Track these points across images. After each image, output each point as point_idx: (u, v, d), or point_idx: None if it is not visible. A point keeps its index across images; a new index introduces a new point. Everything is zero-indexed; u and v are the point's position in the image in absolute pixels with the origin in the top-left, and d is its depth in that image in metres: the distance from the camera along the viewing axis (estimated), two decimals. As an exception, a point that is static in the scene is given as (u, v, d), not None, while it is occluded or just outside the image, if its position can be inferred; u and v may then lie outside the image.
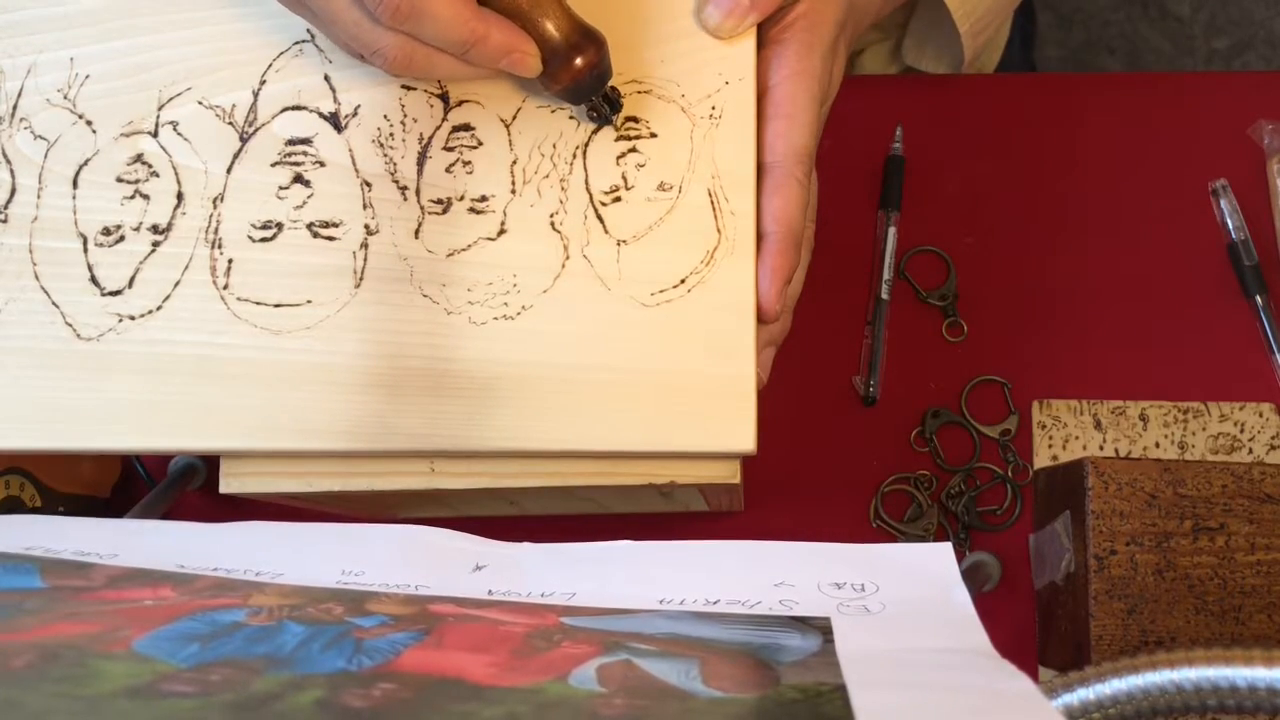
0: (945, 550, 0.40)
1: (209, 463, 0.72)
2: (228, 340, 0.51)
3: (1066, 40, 1.70)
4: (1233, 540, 0.61)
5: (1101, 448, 0.71)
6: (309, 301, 0.51)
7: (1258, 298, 0.72)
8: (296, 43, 0.53)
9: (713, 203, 0.49)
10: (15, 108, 0.54)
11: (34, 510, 0.66)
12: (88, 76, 0.54)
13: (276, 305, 0.51)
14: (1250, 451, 0.70)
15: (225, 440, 0.50)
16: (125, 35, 0.54)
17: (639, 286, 0.49)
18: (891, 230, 0.74)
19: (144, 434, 0.51)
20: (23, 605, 0.36)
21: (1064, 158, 0.77)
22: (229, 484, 0.54)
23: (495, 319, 0.49)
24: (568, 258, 0.50)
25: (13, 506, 0.64)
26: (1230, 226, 0.73)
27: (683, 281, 0.49)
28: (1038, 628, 0.70)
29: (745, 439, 0.47)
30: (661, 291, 0.49)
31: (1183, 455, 0.71)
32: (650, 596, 0.39)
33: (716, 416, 0.48)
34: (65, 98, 0.54)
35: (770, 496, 0.73)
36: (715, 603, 0.38)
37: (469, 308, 0.50)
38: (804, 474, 0.73)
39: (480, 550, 0.44)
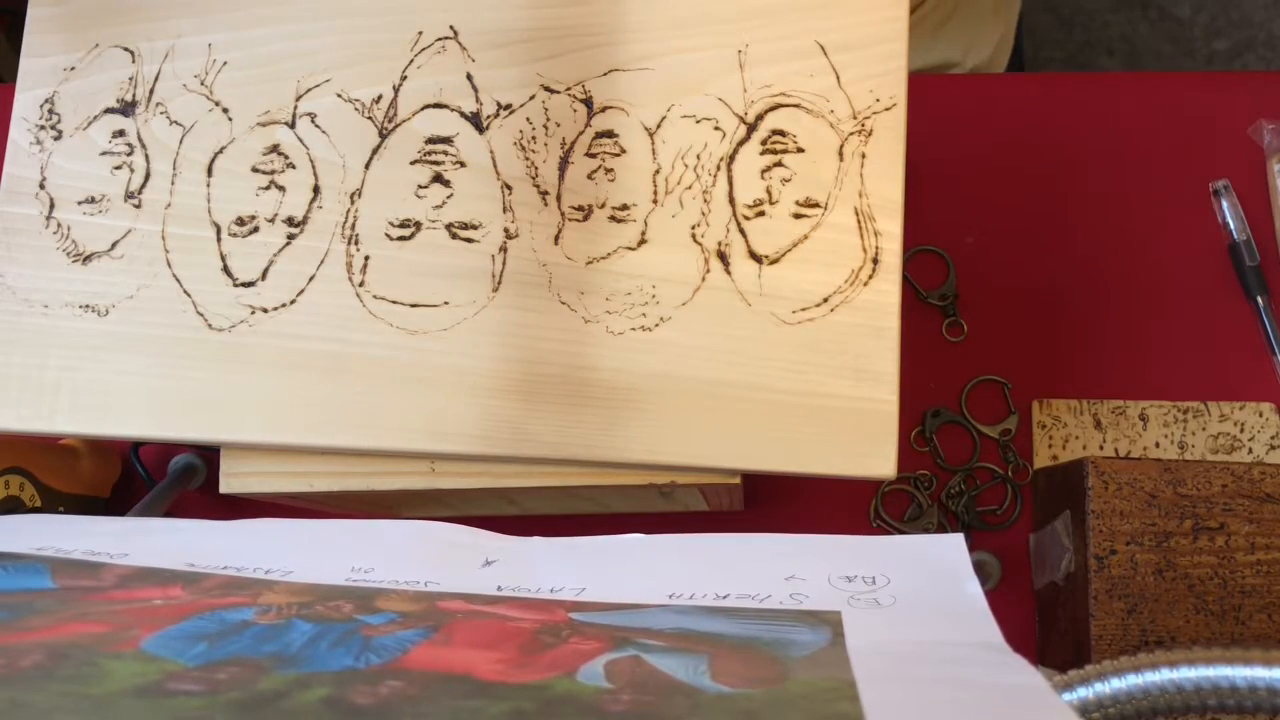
0: (957, 541, 0.40)
1: (209, 462, 0.72)
2: (362, 338, 0.50)
3: (1066, 41, 1.70)
4: (1233, 540, 0.61)
5: (1101, 448, 0.71)
6: (446, 303, 0.50)
7: (1259, 298, 0.72)
8: (439, 39, 0.52)
9: (859, 222, 0.48)
10: (152, 92, 0.53)
11: (34, 510, 0.65)
12: (225, 63, 0.53)
13: (413, 305, 0.50)
14: (1250, 451, 0.70)
15: (357, 439, 0.50)
16: (264, 24, 0.53)
17: (780, 303, 0.48)
18: (891, 230, 0.74)
19: (272, 429, 0.50)
20: (33, 605, 0.36)
21: (1064, 158, 0.77)
22: (229, 484, 0.54)
23: (633, 329, 0.49)
24: (708, 271, 0.49)
25: (13, 506, 0.64)
26: (1232, 227, 0.73)
27: (825, 300, 0.48)
28: (1038, 628, 0.70)
29: (885, 465, 0.47)
30: (803, 310, 0.48)
31: (1183, 455, 0.71)
32: (660, 591, 0.39)
33: (856, 440, 0.47)
34: (202, 84, 0.53)
35: (770, 496, 0.73)
36: (725, 597, 0.38)
37: (607, 317, 0.49)
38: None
39: (490, 545, 0.43)
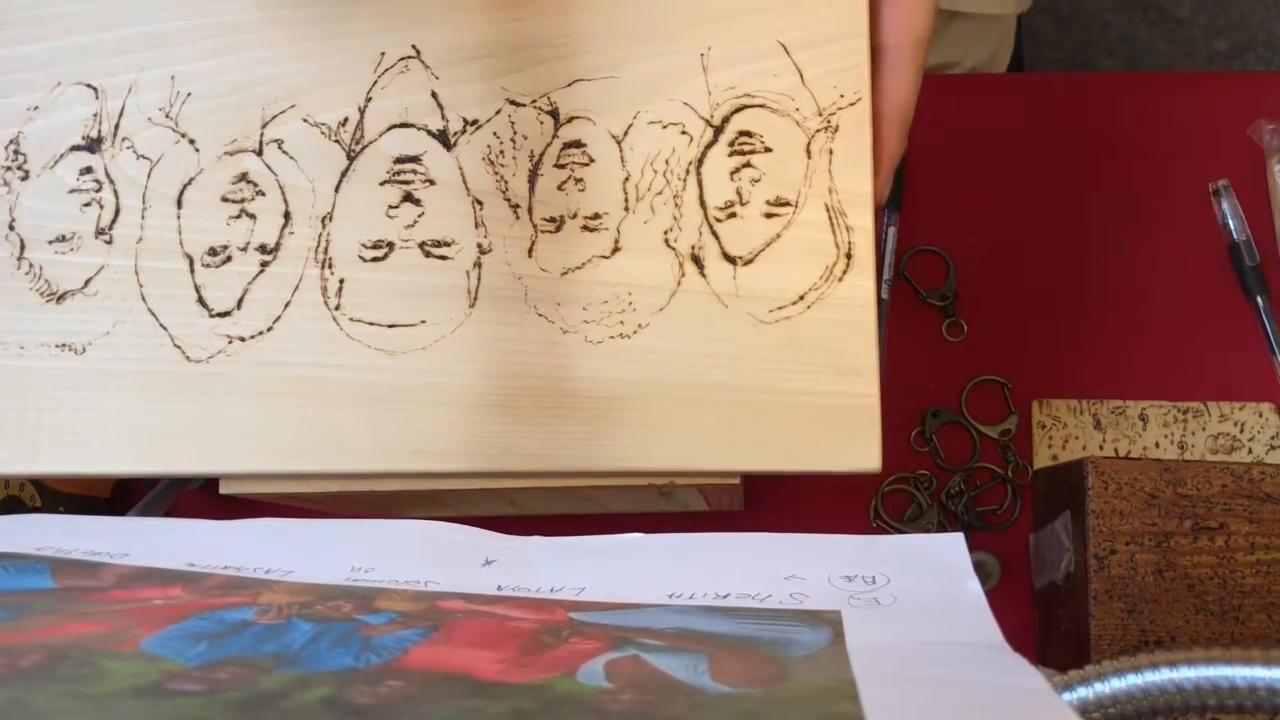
0: (957, 541, 0.40)
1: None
2: (341, 361, 0.50)
3: (1066, 42, 1.70)
4: (1233, 540, 0.61)
5: (1101, 448, 0.71)
6: (423, 322, 0.50)
7: (1259, 298, 0.72)
8: (402, 59, 0.52)
9: (830, 218, 0.48)
10: (117, 127, 0.53)
11: (34, 510, 0.65)
12: (189, 94, 0.53)
13: (390, 326, 0.50)
14: (1250, 451, 0.70)
15: (341, 463, 0.50)
16: (226, 52, 0.53)
17: (757, 304, 0.48)
18: (891, 230, 0.74)
19: (257, 457, 0.50)
20: (33, 605, 0.36)
21: (1064, 157, 0.77)
22: (229, 484, 0.54)
23: (611, 338, 0.49)
24: (683, 275, 0.49)
25: (12, 506, 0.64)
26: (1232, 227, 0.73)
27: (802, 298, 0.48)
28: (1038, 628, 0.70)
29: (870, 459, 0.47)
30: (780, 309, 0.48)
31: (1183, 455, 0.71)
32: (660, 590, 0.39)
33: (839, 435, 0.47)
34: (167, 116, 0.53)
35: (770, 496, 0.73)
36: (725, 596, 0.38)
37: (585, 326, 0.49)
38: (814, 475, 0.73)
39: (490, 545, 0.43)
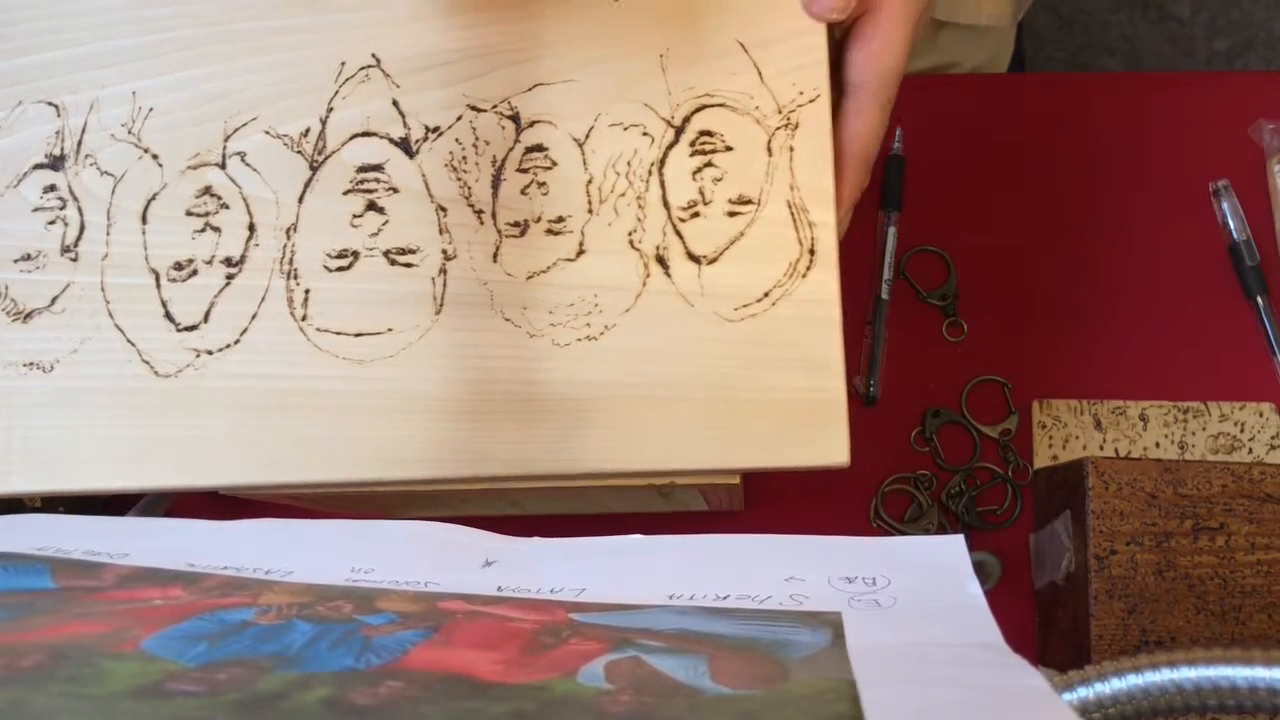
0: (957, 542, 0.40)
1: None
2: (309, 372, 0.50)
3: (1066, 41, 1.70)
4: (1233, 540, 0.61)
5: (1101, 448, 0.71)
6: (390, 330, 0.50)
7: (1259, 298, 0.72)
8: (362, 68, 0.52)
9: (793, 215, 0.48)
10: (80, 144, 0.53)
11: (34, 510, 0.65)
12: (151, 109, 0.53)
13: (357, 335, 0.50)
14: (1250, 451, 0.70)
15: (312, 473, 0.50)
16: (186, 66, 0.53)
17: (722, 302, 0.48)
18: (891, 230, 0.75)
19: (228, 470, 0.50)
20: (33, 605, 0.36)
21: (1064, 158, 0.77)
22: (227, 484, 0.54)
23: (578, 340, 0.49)
24: (648, 275, 0.49)
25: (13, 506, 0.64)
26: (1232, 227, 0.73)
27: (766, 295, 0.48)
28: (1038, 628, 0.70)
29: (838, 452, 0.47)
30: (745, 306, 0.48)
31: (1183, 455, 0.71)
32: (660, 591, 0.39)
33: (808, 430, 0.47)
34: (130, 132, 0.53)
35: (770, 496, 0.73)
36: (725, 598, 0.38)
37: (551, 329, 0.49)
38: (804, 473, 0.73)
39: (490, 546, 0.43)
